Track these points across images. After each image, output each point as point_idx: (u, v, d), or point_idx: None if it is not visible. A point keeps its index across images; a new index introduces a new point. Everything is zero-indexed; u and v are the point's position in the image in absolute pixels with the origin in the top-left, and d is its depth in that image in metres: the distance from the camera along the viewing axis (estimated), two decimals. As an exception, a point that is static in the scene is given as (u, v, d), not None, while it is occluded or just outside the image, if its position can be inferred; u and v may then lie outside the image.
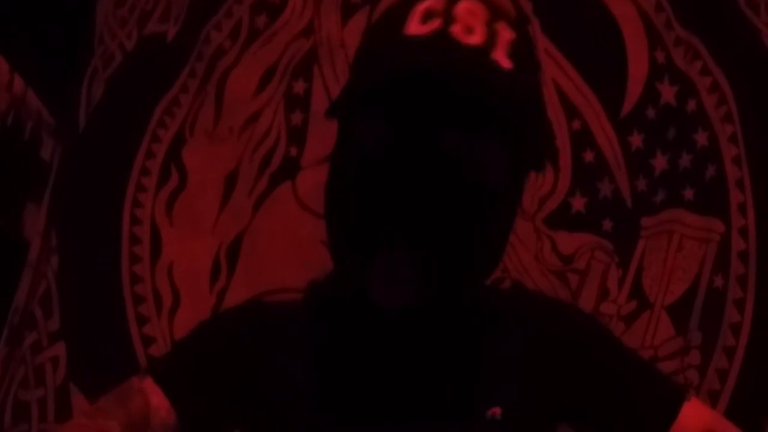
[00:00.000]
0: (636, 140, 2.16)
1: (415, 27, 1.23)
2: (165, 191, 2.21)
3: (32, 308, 2.19)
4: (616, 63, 2.20)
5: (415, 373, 1.34)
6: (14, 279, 2.19)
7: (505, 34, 1.24)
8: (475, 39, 1.21)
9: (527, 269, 2.14)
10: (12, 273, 2.19)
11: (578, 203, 2.15)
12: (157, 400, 1.36)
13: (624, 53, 2.19)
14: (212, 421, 1.41)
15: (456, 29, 1.21)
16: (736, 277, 2.09)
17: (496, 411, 1.32)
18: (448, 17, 1.22)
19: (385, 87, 1.22)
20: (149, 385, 1.37)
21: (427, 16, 1.23)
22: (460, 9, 1.23)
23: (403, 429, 1.33)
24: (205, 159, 2.22)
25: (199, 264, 2.17)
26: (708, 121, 2.13)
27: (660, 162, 2.14)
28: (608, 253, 2.13)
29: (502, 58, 1.22)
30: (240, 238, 2.18)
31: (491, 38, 1.22)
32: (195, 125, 2.23)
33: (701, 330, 2.09)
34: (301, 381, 1.37)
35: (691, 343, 2.07)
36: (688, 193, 2.12)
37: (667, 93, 2.16)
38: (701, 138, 2.14)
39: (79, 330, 2.17)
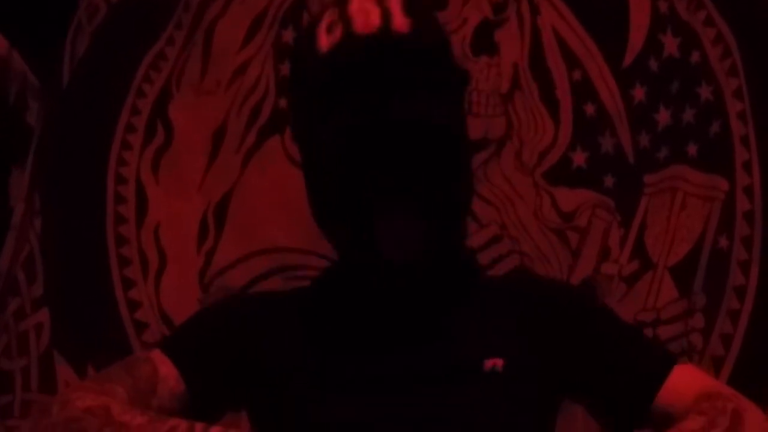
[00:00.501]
0: (638, 93, 2.10)
1: (324, 43, 1.41)
2: (151, 149, 2.14)
3: (15, 273, 2.12)
4: (617, 11, 2.12)
5: (421, 329, 1.45)
6: (-1, 246, 2.16)
7: (394, 3, 1.41)
8: (373, 23, 1.39)
9: (526, 227, 2.09)
10: (-2, 239, 2.16)
11: (579, 158, 2.10)
12: (165, 369, 1.43)
13: (626, 1, 2.12)
14: (218, 393, 1.48)
15: (356, 26, 1.40)
16: (741, 238, 2.06)
17: (498, 362, 1.42)
18: (346, 19, 1.41)
19: (326, 98, 1.39)
20: (158, 355, 1.46)
21: (329, 29, 1.42)
22: (353, 6, 1.42)
23: (408, 387, 1.41)
24: (191, 115, 2.14)
25: (186, 224, 2.11)
26: (712, 74, 2.08)
27: (663, 116, 2.09)
28: (610, 211, 2.09)
29: (401, 24, 1.39)
30: (228, 196, 2.12)
31: (385, 14, 1.40)
32: (181, 79, 2.15)
33: (705, 292, 2.06)
34: (303, 354, 1.47)
35: (695, 306, 2.05)
36: (692, 149, 2.08)
37: (670, 44, 2.10)
38: (705, 92, 2.09)
39: (63, 295, 2.12)
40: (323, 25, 1.43)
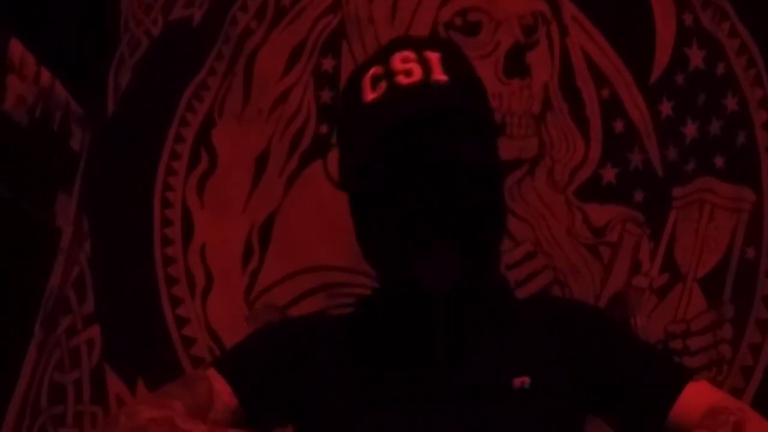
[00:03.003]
0: (666, 108, 2.14)
1: (369, 95, 1.55)
2: (195, 174, 2.20)
3: (66, 292, 2.20)
4: (643, 28, 2.17)
5: (455, 351, 1.58)
6: (48, 266, 2.20)
7: (433, 57, 1.56)
8: (415, 77, 1.53)
9: (559, 243, 2.14)
10: (46, 260, 2.20)
11: (609, 174, 2.14)
12: (220, 386, 1.58)
13: (651, 17, 2.17)
14: (268, 408, 1.62)
15: (400, 79, 1.54)
16: (768, 249, 2.13)
17: (525, 380, 1.54)
18: (389, 73, 1.55)
19: (381, 142, 1.52)
20: (212, 373, 1.61)
21: (374, 81, 1.56)
22: (396, 62, 1.56)
23: (442, 405, 1.53)
24: (234, 141, 2.21)
25: (232, 245, 2.17)
26: (737, 84, 2.11)
27: (690, 129, 2.13)
28: (640, 225, 2.12)
29: (438, 76, 1.54)
30: (272, 218, 2.17)
31: (425, 67, 1.54)
32: (224, 108, 2.22)
33: (733, 303, 2.08)
34: (344, 373, 1.60)
35: (724, 317, 2.07)
36: (719, 161, 2.11)
37: (696, 57, 2.14)
38: (731, 103, 2.12)
39: (114, 312, 2.19)
40: (367, 78, 1.56)
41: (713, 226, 2.09)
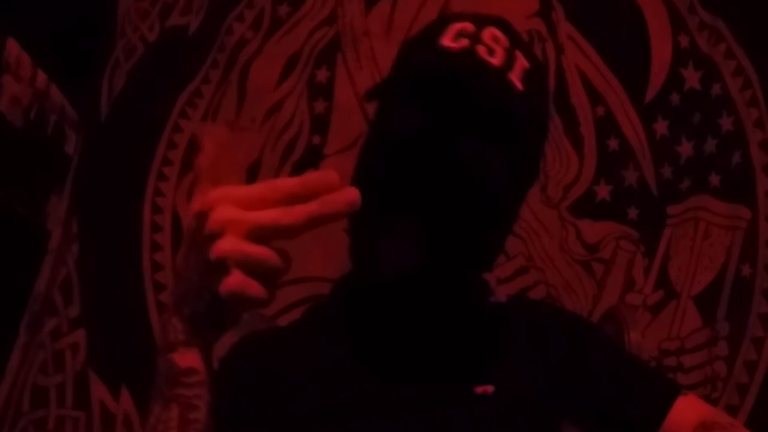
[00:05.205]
0: (661, 127, 2.14)
1: (448, 41, 1.43)
2: (187, 181, 2.20)
3: (52, 295, 2.18)
4: (639, 49, 2.18)
5: (416, 352, 1.46)
6: (36, 268, 2.18)
7: (521, 62, 1.44)
8: (496, 60, 1.41)
9: (552, 258, 2.12)
10: (34, 262, 2.18)
11: (603, 191, 2.13)
12: None
13: (647, 39, 2.17)
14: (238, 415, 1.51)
15: (481, 49, 1.41)
16: (764, 266, 2.06)
17: (488, 389, 1.42)
18: (476, 39, 1.42)
19: (421, 84, 1.41)
20: None
21: (459, 34, 1.43)
22: (486, 34, 1.43)
23: (400, 411, 1.42)
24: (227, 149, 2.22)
25: (221, 253, 2.18)
26: (733, 105, 2.11)
27: (685, 148, 2.12)
28: (633, 242, 2.11)
29: (516, 80, 1.41)
30: (262, 227, 2.19)
31: (509, 62, 1.42)
32: (217, 116, 2.23)
33: (729, 320, 2.06)
34: (305, 378, 1.48)
35: (719, 334, 2.05)
36: (714, 179, 2.10)
37: (692, 78, 2.14)
38: (726, 123, 2.11)
39: (100, 317, 2.17)
40: (455, 28, 1.45)
41: (708, 244, 2.07)
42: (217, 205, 1.12)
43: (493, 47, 1.42)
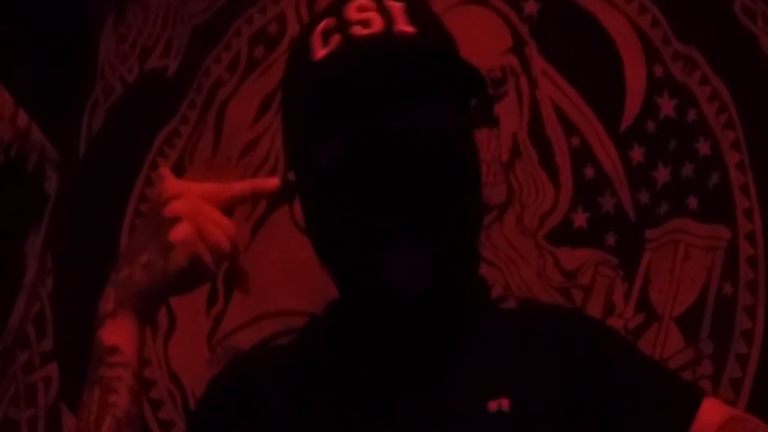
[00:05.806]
0: (637, 154, 2.11)
1: (320, 51, 1.35)
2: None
3: (25, 328, 2.18)
4: (613, 80, 2.17)
5: (427, 369, 1.39)
6: (11, 303, 2.20)
7: (395, 6, 1.37)
8: (375, 27, 1.34)
9: (530, 287, 2.09)
10: (10, 299, 2.20)
11: (580, 219, 2.11)
12: None
13: (621, 70, 2.16)
14: None
15: (356, 30, 1.34)
16: (746, 283, 2.01)
17: (504, 402, 1.34)
18: (343, 25, 1.35)
19: (331, 110, 1.32)
20: None
21: (326, 36, 1.36)
22: (351, 11, 1.36)
23: (411, 424, 1.36)
24: (203, 186, 2.24)
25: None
26: (709, 129, 2.08)
27: (662, 174, 2.09)
28: (612, 267, 2.07)
29: (404, 26, 1.34)
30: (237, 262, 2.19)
31: (387, 17, 1.35)
32: (194, 155, 2.26)
33: (712, 339, 2.00)
34: (305, 399, 1.43)
35: (703, 353, 1.99)
36: (692, 202, 2.06)
37: (667, 106, 2.12)
38: (703, 147, 2.08)
39: (73, 351, 2.15)
40: (317, 35, 1.37)
41: (689, 266, 2.02)
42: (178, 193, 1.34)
43: (364, 18, 1.35)
